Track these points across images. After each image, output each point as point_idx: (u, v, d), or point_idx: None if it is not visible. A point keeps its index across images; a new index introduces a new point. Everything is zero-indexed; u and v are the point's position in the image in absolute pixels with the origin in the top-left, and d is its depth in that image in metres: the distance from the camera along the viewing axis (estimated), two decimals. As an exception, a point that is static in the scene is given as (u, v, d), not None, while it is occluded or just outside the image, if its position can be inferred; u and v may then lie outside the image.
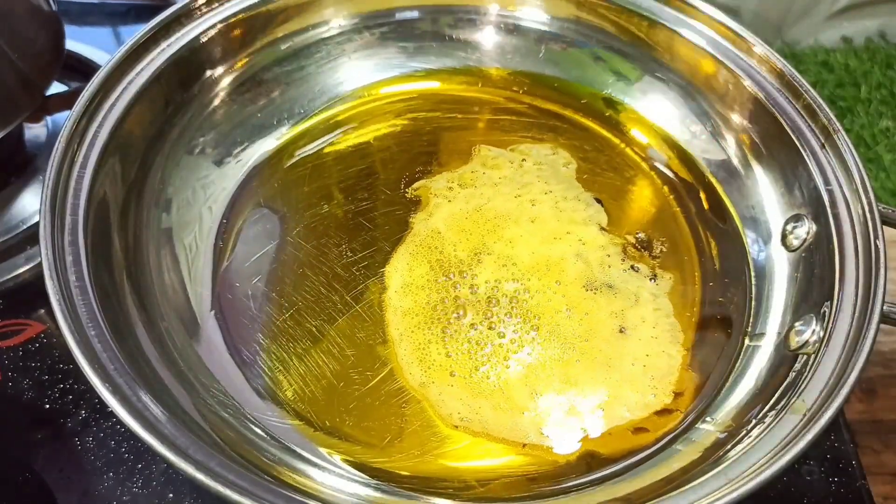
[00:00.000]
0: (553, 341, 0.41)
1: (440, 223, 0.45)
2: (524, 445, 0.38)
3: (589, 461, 0.37)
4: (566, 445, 0.38)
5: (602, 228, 0.46)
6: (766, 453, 0.32)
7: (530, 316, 0.42)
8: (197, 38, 0.45)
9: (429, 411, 0.39)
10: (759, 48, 0.46)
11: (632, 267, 0.44)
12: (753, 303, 0.43)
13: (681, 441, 0.38)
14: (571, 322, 0.42)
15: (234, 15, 0.47)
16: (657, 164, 0.50)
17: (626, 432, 0.38)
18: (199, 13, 0.45)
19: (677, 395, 0.40)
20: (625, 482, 0.36)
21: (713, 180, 0.48)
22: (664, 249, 0.45)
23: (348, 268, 0.44)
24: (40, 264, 0.34)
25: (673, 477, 0.35)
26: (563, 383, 0.39)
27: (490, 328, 0.41)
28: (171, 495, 0.40)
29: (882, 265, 0.37)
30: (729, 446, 0.35)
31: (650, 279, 0.44)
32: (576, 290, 0.43)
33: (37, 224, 0.36)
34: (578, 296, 0.43)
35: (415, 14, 0.52)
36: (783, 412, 0.34)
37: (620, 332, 0.41)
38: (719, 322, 0.43)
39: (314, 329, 0.41)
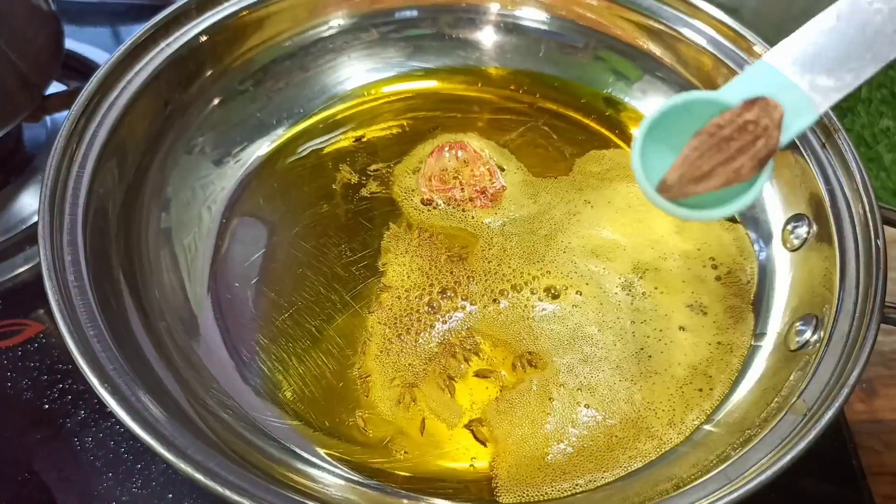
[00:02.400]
0: (557, 345, 0.41)
1: (441, 222, 0.45)
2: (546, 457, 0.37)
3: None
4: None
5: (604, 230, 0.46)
6: (766, 453, 0.32)
7: (535, 317, 0.42)
8: (196, 37, 0.45)
9: (427, 412, 0.38)
10: (760, 47, 0.46)
11: (634, 269, 0.44)
12: (753, 303, 0.43)
13: (683, 443, 0.38)
14: (574, 329, 0.41)
15: (234, 14, 0.46)
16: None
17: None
18: (198, 13, 0.45)
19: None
20: (627, 483, 0.36)
21: (713, 180, 0.48)
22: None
23: (348, 267, 0.44)
24: (39, 264, 0.34)
25: (675, 477, 0.35)
26: (571, 393, 0.39)
27: (487, 329, 0.41)
28: (170, 496, 0.39)
29: (882, 265, 0.37)
30: (729, 447, 0.35)
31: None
32: (578, 295, 0.43)
33: (36, 224, 0.36)
34: (583, 300, 0.42)
35: (414, 13, 0.52)
36: (783, 412, 0.34)
37: (622, 336, 0.41)
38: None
39: (313, 329, 0.41)
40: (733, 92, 0.24)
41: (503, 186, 0.47)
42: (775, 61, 0.24)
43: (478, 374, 0.40)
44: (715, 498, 0.31)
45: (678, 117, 0.25)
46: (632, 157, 0.25)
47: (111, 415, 0.30)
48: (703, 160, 0.24)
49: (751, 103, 0.24)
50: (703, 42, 0.48)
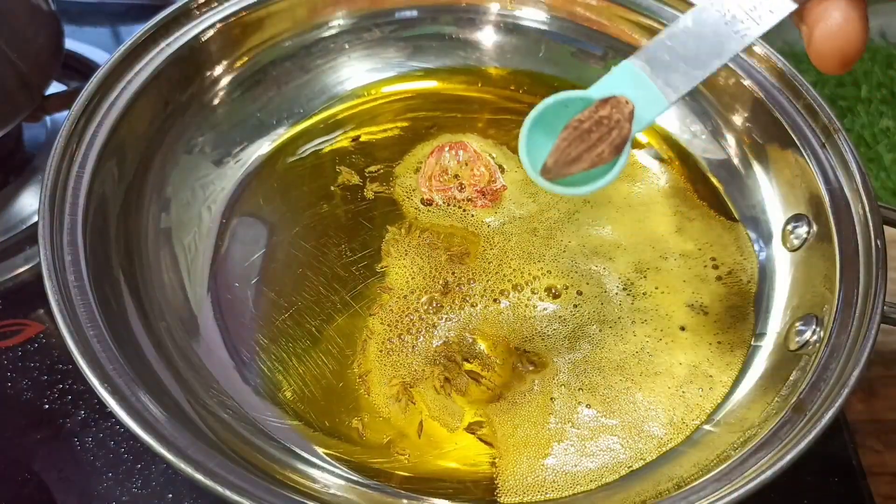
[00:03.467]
0: (558, 345, 0.41)
1: (441, 222, 0.45)
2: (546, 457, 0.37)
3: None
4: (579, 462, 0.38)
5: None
6: (766, 453, 0.32)
7: (535, 316, 0.42)
8: (196, 37, 0.45)
9: (425, 414, 0.38)
10: (760, 47, 0.46)
11: (635, 268, 0.44)
12: (754, 303, 0.43)
13: (683, 443, 0.38)
14: (575, 329, 0.41)
15: (234, 14, 0.46)
16: (657, 164, 0.49)
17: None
18: (198, 13, 0.45)
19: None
20: (627, 483, 0.36)
21: (714, 180, 0.48)
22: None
23: (348, 267, 0.44)
24: (39, 264, 0.34)
25: (675, 477, 0.35)
26: (575, 395, 0.39)
27: (489, 329, 0.41)
28: (170, 496, 0.39)
29: (882, 265, 0.37)
30: (730, 447, 0.35)
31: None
32: (578, 294, 0.43)
33: (36, 224, 0.36)
34: (583, 300, 0.42)
35: (414, 13, 0.52)
36: (783, 412, 0.34)
37: (622, 336, 0.41)
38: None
39: (313, 329, 0.41)
40: (599, 89, 0.29)
41: (503, 186, 0.47)
42: (636, 63, 0.29)
43: (479, 375, 0.40)
44: (715, 498, 0.31)
45: (557, 111, 0.29)
46: (519, 146, 0.30)
47: (111, 415, 0.30)
48: (571, 148, 0.29)
49: (604, 102, 0.29)
50: (703, 42, 0.48)
